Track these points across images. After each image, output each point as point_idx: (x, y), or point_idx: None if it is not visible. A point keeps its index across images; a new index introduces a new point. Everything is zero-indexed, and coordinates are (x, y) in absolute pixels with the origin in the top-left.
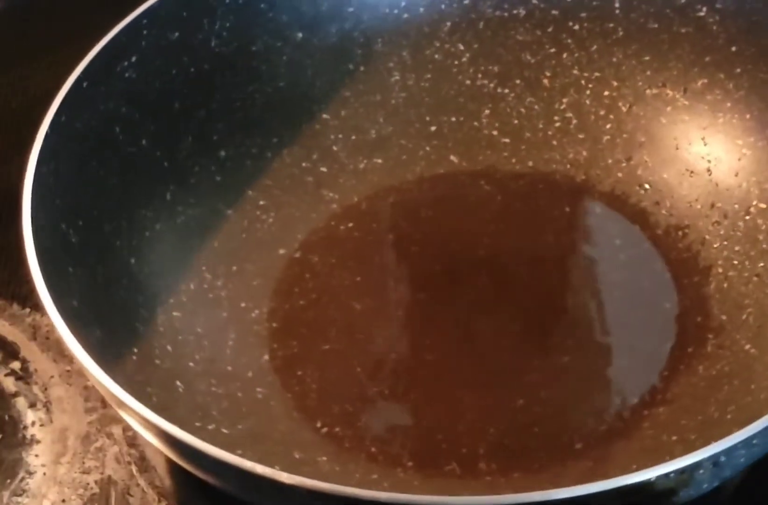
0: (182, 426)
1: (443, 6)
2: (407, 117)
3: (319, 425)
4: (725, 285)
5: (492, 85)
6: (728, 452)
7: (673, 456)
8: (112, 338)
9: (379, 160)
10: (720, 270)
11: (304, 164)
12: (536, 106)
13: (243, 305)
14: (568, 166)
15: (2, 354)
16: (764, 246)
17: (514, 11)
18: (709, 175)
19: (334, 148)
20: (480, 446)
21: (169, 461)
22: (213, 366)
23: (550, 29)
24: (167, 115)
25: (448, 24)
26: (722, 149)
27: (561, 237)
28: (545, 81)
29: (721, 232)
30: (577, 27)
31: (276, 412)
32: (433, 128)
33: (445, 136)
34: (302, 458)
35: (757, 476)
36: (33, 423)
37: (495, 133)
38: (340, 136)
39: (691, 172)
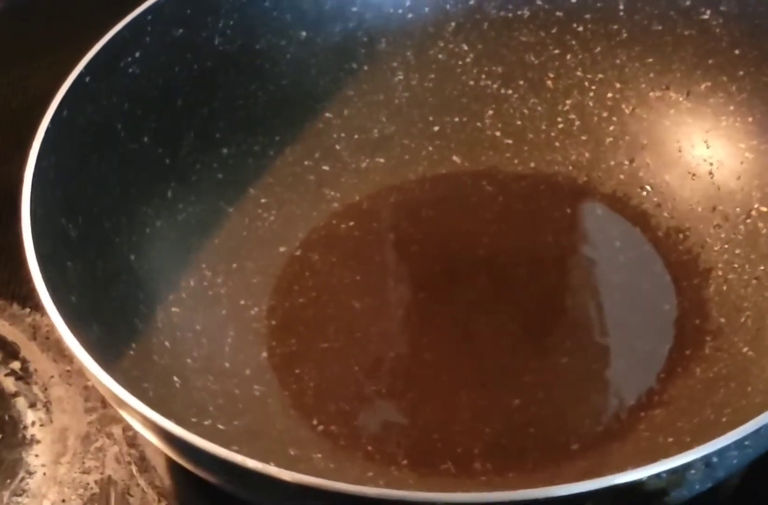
0: (178, 422)
1: (448, 6)
2: (410, 117)
3: (315, 422)
4: (725, 288)
5: (495, 85)
6: (720, 452)
7: (668, 458)
8: (110, 334)
9: (382, 160)
10: (720, 273)
11: (306, 163)
12: (539, 108)
13: (242, 302)
14: (570, 167)
15: (2, 354)
16: (764, 250)
17: (519, 12)
18: (711, 178)
19: (337, 147)
20: (476, 445)
21: (169, 460)
22: (211, 363)
23: (554, 30)
24: (170, 112)
25: (453, 24)
26: (724, 152)
27: (561, 238)
28: (548, 82)
29: (722, 235)
30: (581, 28)
31: (273, 409)
32: (435, 128)
33: (448, 137)
34: (297, 456)
35: (757, 476)
36: (33, 423)
37: (498, 133)
38: (343, 135)
39: (693, 174)
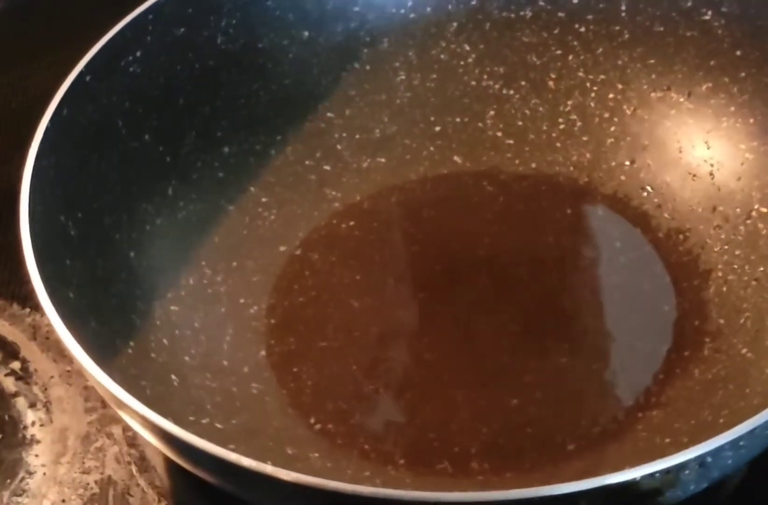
0: (176, 420)
1: (450, 6)
2: (412, 117)
3: (312, 421)
4: (724, 289)
5: (497, 86)
6: (714, 453)
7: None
8: (109, 331)
9: (383, 160)
10: (720, 274)
11: (307, 162)
12: (541, 108)
13: (242, 300)
14: (572, 168)
15: (2, 354)
16: (764, 251)
17: (521, 13)
18: (712, 178)
19: (338, 146)
20: (473, 445)
21: (168, 460)
22: (209, 361)
23: (556, 31)
24: (171, 111)
25: (455, 24)
26: (725, 153)
27: (562, 239)
28: (550, 83)
29: (722, 236)
30: (583, 29)
31: (270, 407)
32: (437, 128)
33: (450, 137)
34: (295, 454)
35: (757, 476)
36: (33, 423)
37: (499, 134)
38: (345, 134)
39: (694, 175)
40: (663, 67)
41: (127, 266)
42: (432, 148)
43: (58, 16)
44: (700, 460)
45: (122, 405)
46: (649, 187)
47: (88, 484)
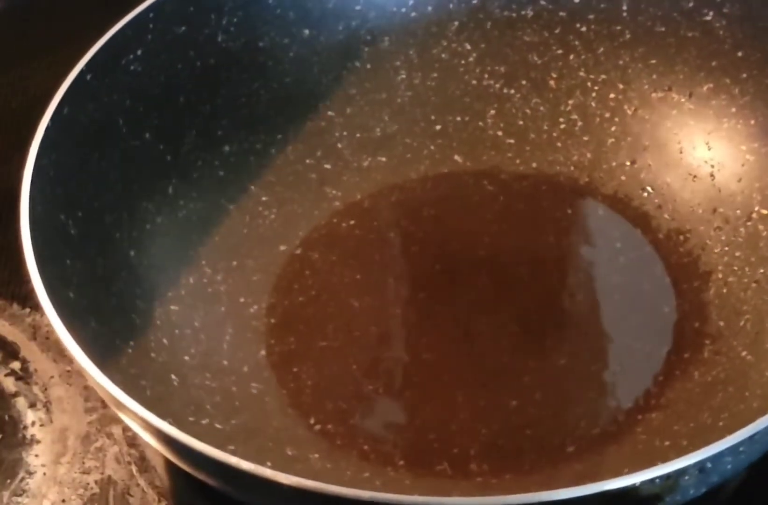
0: (175, 420)
1: (451, 5)
2: (412, 116)
3: (312, 421)
4: (724, 291)
5: (498, 85)
6: (714, 458)
7: (664, 461)
8: (109, 330)
9: (383, 159)
10: (720, 275)
11: (307, 161)
12: (541, 108)
13: (242, 300)
14: (572, 168)
15: (2, 354)
16: (764, 252)
17: (522, 12)
18: (712, 180)
19: (339, 145)
20: (472, 446)
21: (168, 460)
22: (209, 360)
23: (557, 31)
24: (171, 110)
25: (456, 23)
26: (726, 154)
27: (562, 239)
28: (551, 82)
29: (722, 238)
30: (584, 29)
31: (270, 408)
32: (438, 127)
33: (450, 136)
34: (294, 455)
35: (756, 480)
36: (33, 423)
37: (500, 133)
38: (345, 133)
39: (694, 176)
40: (664, 67)
41: (127, 265)
42: (432, 147)
43: (58, 16)
44: (700, 465)
45: (121, 406)
46: (649, 188)
47: (88, 484)
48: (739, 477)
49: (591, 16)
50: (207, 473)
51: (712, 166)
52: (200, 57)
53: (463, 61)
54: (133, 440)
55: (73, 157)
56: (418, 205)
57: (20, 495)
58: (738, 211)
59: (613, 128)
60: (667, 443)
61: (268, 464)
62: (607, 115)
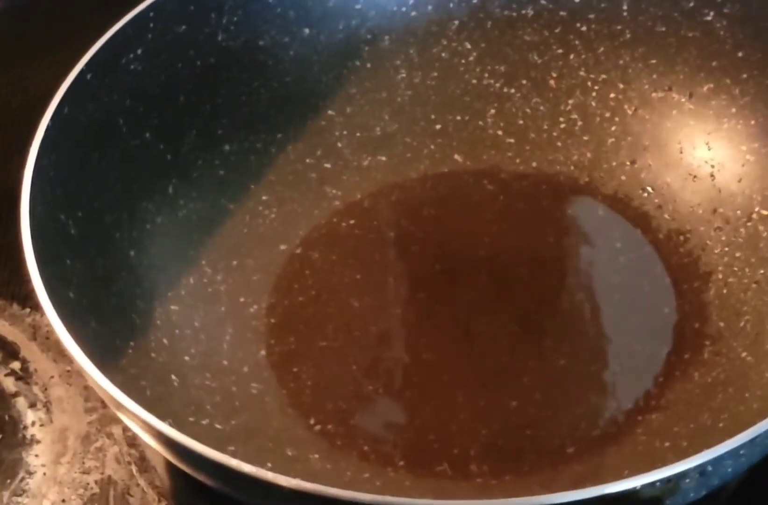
0: (175, 421)
1: (451, 5)
2: (413, 115)
3: (312, 422)
4: (725, 291)
5: (498, 84)
6: (715, 461)
7: (664, 463)
8: (109, 330)
9: (383, 158)
10: (720, 276)
11: (308, 160)
12: (542, 107)
13: (242, 300)
14: (572, 167)
15: (2, 354)
16: (765, 253)
17: (522, 11)
18: (712, 180)
19: (339, 144)
20: (472, 447)
21: (168, 461)
22: (209, 360)
23: (557, 30)
24: (172, 109)
25: (456, 23)
26: (726, 155)
27: (562, 239)
28: (551, 82)
29: (723, 238)
30: (584, 28)
31: (270, 408)
32: (438, 127)
33: (450, 135)
34: (294, 456)
35: (757, 480)
36: (33, 423)
37: (500, 133)
38: (345, 132)
39: (695, 176)
40: (664, 67)
41: (127, 264)
42: (432, 147)
43: (58, 16)
44: (701, 469)
45: (121, 407)
46: (649, 188)
47: (88, 484)
48: (739, 479)
49: (591, 16)
50: (207, 475)
51: (713, 167)
52: (200, 56)
53: (463, 61)
54: (133, 440)
55: (73, 157)
56: (418, 204)
57: (20, 495)
58: (738, 212)
59: (613, 128)
60: (667, 444)
61: (268, 464)
62: (608, 114)
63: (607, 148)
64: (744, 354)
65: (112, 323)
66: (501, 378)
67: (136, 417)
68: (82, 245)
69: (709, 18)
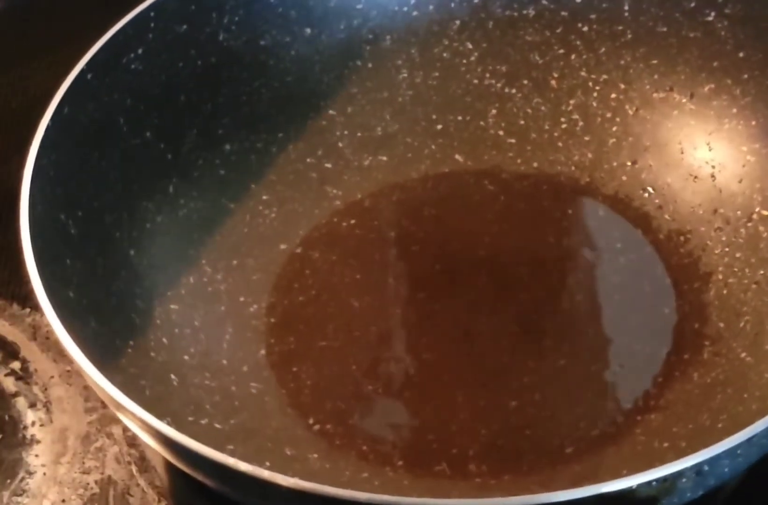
0: (174, 420)
1: (453, 4)
2: (414, 115)
3: (311, 421)
4: (725, 292)
5: (499, 84)
6: (711, 461)
7: (663, 463)
8: (108, 330)
9: (384, 158)
10: (720, 277)
11: (308, 160)
12: (543, 107)
13: (242, 299)
14: (573, 168)
15: (2, 354)
16: (765, 253)
17: (524, 11)
18: (713, 180)
19: (340, 144)
20: (471, 447)
21: (168, 460)
22: (208, 360)
23: (558, 30)
24: (172, 109)
25: (458, 23)
26: (727, 155)
27: (562, 239)
28: (553, 82)
29: (723, 239)
30: (585, 29)
31: (269, 407)
32: (439, 127)
33: (451, 135)
34: (293, 455)
35: (755, 482)
36: (33, 423)
37: (501, 133)
38: (346, 132)
39: (695, 177)
40: (666, 67)
41: (127, 264)
42: (433, 147)
43: (58, 16)
44: (697, 468)
45: (119, 407)
46: (650, 188)
47: (88, 484)
48: (737, 480)
49: (593, 16)
50: (205, 474)
51: (713, 167)
52: (201, 56)
53: (464, 61)
54: (133, 440)
55: (74, 157)
56: (419, 204)
57: (20, 495)
58: (738, 212)
59: (614, 128)
60: (665, 444)
61: (267, 464)
62: (609, 115)
63: (608, 149)
64: (743, 355)
65: (111, 323)
66: (501, 378)
67: (134, 416)
68: (82, 245)
69: (710, 18)
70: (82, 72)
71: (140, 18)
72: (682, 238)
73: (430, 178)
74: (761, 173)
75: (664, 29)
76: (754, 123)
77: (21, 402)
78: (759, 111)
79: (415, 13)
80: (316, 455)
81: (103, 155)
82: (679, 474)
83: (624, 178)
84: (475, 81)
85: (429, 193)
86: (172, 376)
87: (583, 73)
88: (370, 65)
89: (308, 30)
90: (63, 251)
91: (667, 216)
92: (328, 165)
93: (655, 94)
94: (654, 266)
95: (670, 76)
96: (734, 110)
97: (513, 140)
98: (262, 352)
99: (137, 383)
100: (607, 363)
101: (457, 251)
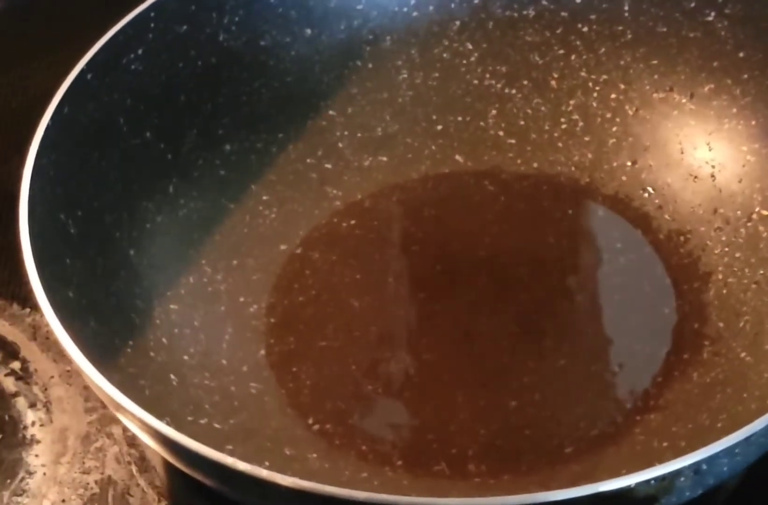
0: (174, 420)
1: (453, 5)
2: (414, 115)
3: (311, 421)
4: (724, 292)
5: (499, 85)
6: (710, 460)
7: (661, 463)
8: (108, 330)
9: (384, 158)
10: (720, 276)
11: (308, 160)
12: (543, 108)
13: (242, 299)
14: (573, 168)
15: (2, 354)
16: (765, 253)
17: (524, 12)
18: (713, 180)
19: (340, 144)
20: (471, 446)
21: (168, 461)
22: (208, 360)
23: (558, 31)
24: (172, 109)
25: (458, 23)
26: (727, 155)
27: (562, 239)
28: (552, 82)
29: (723, 239)
30: (585, 29)
31: (269, 407)
32: (439, 127)
33: (451, 136)
34: (293, 455)
35: (754, 481)
36: (33, 423)
37: (501, 133)
38: (346, 133)
39: (695, 177)
40: (666, 67)
41: (127, 264)
42: (433, 147)
43: (58, 16)
44: (695, 467)
45: (118, 407)
46: (650, 189)
47: (88, 484)
48: (737, 479)
49: (593, 17)
50: (204, 474)
51: (713, 167)
52: (201, 56)
53: (464, 61)
54: (133, 440)
55: (74, 157)
56: (419, 205)
57: (20, 495)
58: (738, 212)
59: (614, 129)
60: (665, 444)
61: (266, 463)
62: (609, 115)
63: (608, 149)
64: (743, 354)
65: (111, 323)
66: (501, 378)
67: (132, 416)
68: (82, 245)
69: (710, 18)
70: (82, 72)
71: (140, 18)
72: (681, 238)
73: (430, 178)
74: (761, 173)
75: (664, 29)
76: (754, 123)
77: (21, 402)
78: (759, 111)
79: (415, 13)
80: (315, 455)
81: (103, 155)
82: (677, 473)
83: (624, 178)
84: (475, 81)
85: (429, 194)
86: (172, 376)
87: (583, 74)
88: (370, 66)
89: (308, 30)
90: (63, 251)
91: (667, 216)
92: (328, 165)
93: (655, 94)
94: (654, 266)
95: (670, 76)
96: (734, 110)
97: (513, 141)
98: (262, 352)
99: (136, 383)
100: (607, 363)
101: (457, 252)
